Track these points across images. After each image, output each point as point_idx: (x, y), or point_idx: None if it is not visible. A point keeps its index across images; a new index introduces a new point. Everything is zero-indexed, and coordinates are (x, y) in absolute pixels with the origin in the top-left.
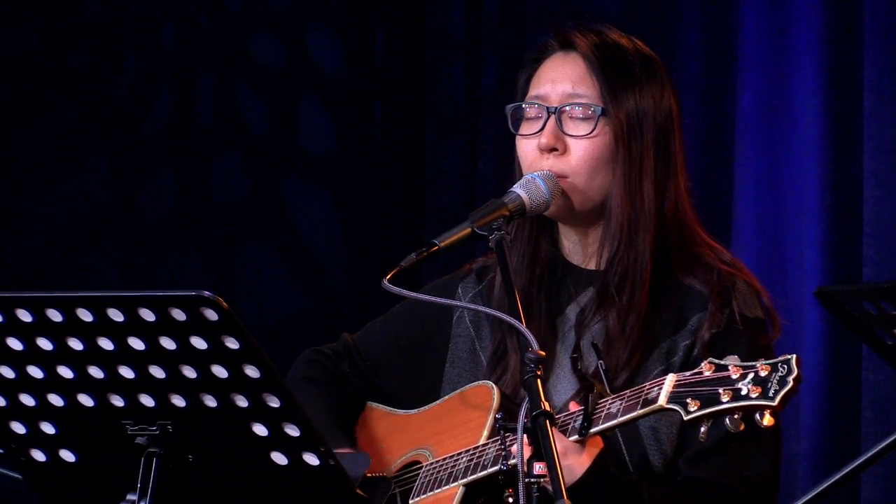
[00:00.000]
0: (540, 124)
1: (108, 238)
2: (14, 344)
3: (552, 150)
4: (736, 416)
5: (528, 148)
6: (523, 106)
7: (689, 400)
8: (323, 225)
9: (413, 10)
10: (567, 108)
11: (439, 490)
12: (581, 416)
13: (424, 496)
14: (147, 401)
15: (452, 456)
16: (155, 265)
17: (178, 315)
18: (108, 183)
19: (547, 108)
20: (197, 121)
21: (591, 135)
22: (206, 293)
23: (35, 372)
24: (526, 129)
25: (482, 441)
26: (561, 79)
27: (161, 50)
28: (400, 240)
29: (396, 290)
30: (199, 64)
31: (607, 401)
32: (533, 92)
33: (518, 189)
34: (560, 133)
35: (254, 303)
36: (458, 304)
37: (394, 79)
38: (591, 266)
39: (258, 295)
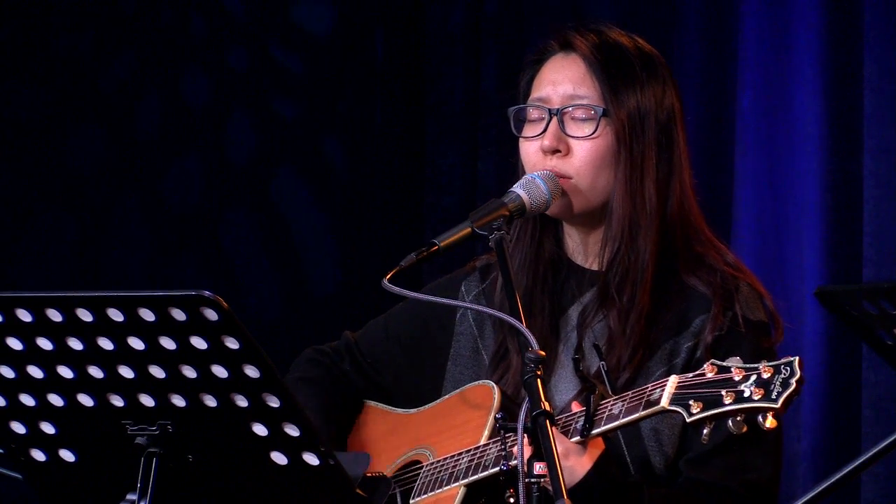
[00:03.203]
0: (542, 126)
1: (104, 236)
2: (14, 344)
3: (555, 151)
4: (738, 418)
5: (531, 150)
6: (525, 108)
7: (691, 402)
8: (323, 225)
9: (413, 9)
10: (569, 109)
11: (440, 490)
12: (583, 417)
13: (425, 496)
14: (147, 401)
15: (453, 456)
16: (152, 266)
17: (178, 315)
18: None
19: (549, 109)
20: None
21: (594, 136)
22: (206, 293)
23: (35, 372)
24: (528, 131)
25: (483, 441)
26: (562, 80)
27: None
28: (400, 240)
29: (397, 289)
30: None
31: (609, 402)
32: (535, 94)
33: (518, 189)
34: (562, 134)
35: (253, 302)
36: (459, 303)
37: (394, 79)
38: (594, 266)
39: (257, 294)
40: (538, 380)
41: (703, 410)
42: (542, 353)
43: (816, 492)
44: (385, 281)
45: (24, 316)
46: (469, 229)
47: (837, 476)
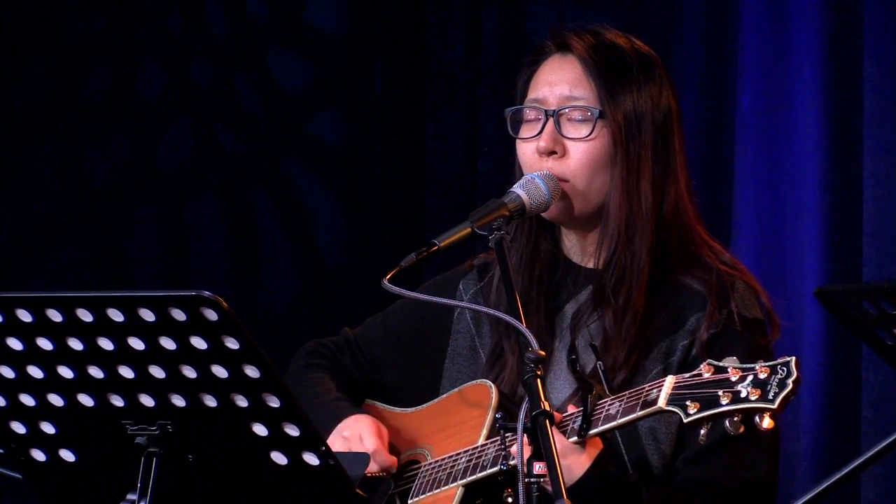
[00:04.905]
0: (538, 127)
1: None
2: (14, 344)
3: (551, 153)
4: (735, 419)
5: (527, 151)
6: (522, 109)
7: (688, 402)
8: (324, 225)
9: (413, 10)
10: (565, 110)
11: (438, 490)
12: (580, 417)
13: (423, 496)
14: (147, 401)
15: (451, 456)
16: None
17: (178, 315)
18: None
19: (545, 111)
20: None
21: (590, 137)
22: (206, 293)
23: (35, 372)
24: (525, 132)
25: (481, 440)
26: (558, 81)
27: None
28: (400, 240)
29: (396, 289)
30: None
31: (606, 402)
32: (531, 95)
33: (518, 189)
34: (559, 136)
35: (253, 300)
36: (458, 303)
37: (394, 79)
38: (590, 264)
39: (258, 292)
40: (538, 380)
41: (700, 411)
42: (543, 353)
43: (816, 492)
44: (385, 281)
45: (24, 316)
46: (469, 229)
47: (837, 476)
